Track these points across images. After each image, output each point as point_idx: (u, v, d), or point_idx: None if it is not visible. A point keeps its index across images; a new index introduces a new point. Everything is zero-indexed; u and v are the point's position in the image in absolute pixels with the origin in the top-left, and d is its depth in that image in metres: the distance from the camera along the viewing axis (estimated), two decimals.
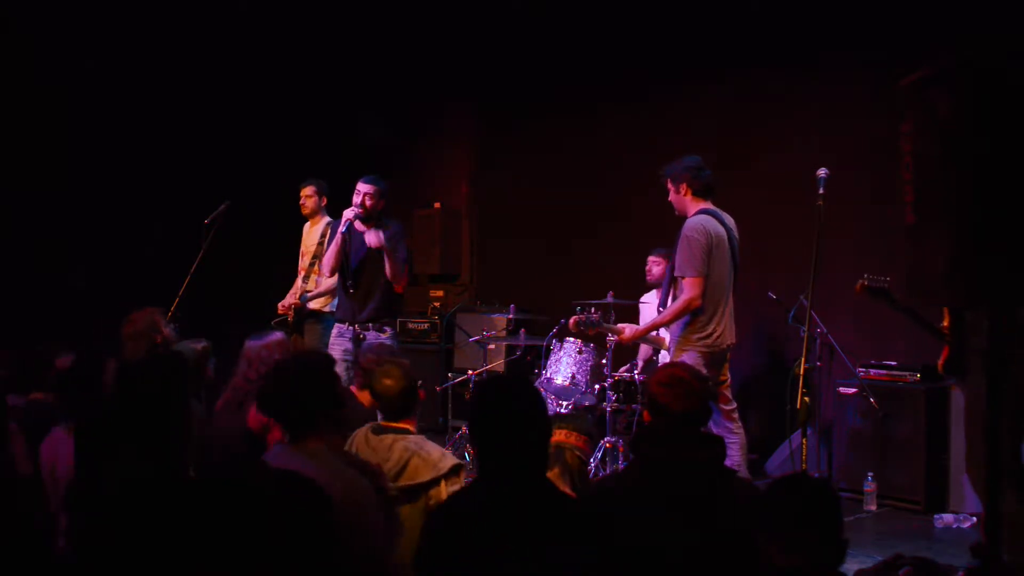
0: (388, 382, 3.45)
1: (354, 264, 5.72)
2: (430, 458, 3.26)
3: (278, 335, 4.19)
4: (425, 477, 3.22)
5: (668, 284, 5.01)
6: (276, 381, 2.96)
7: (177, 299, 5.83)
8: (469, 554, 2.31)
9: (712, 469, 2.74)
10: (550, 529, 2.32)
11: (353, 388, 4.32)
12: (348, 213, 5.59)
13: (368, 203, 5.60)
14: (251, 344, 4.03)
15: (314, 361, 3.03)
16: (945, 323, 4.20)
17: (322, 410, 2.84)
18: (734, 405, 4.93)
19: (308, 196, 6.65)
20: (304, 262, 6.65)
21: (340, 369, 4.84)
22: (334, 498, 2.60)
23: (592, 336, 5.63)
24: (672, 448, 2.71)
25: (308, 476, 2.05)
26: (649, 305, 6.44)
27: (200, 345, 4.32)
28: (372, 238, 5.58)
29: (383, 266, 5.63)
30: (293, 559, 1.86)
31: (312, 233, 6.67)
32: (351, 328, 5.67)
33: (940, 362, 4.30)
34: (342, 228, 5.60)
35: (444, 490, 3.20)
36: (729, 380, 4.97)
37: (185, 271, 5.94)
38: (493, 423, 2.47)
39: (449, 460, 3.28)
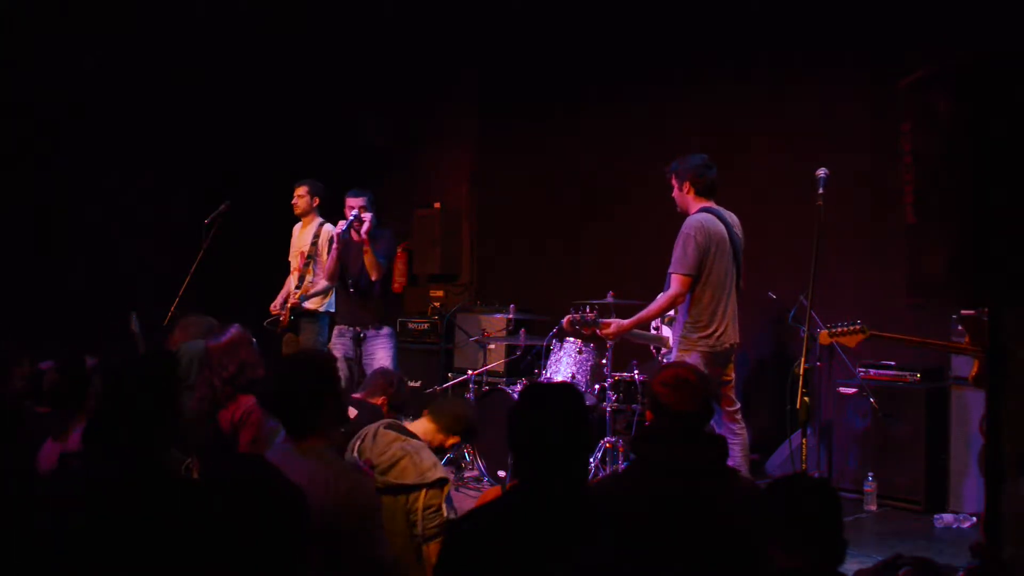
0: (460, 411, 3.90)
1: (354, 267, 5.79)
2: (421, 465, 3.35)
3: (235, 328, 4.12)
4: (409, 480, 3.31)
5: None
6: (278, 379, 2.97)
7: (177, 299, 5.84)
8: (501, 562, 2.25)
9: (714, 469, 2.74)
10: (583, 534, 2.27)
11: (356, 395, 4.24)
12: (341, 227, 5.81)
13: (364, 215, 5.77)
14: (212, 345, 4.02)
15: (316, 359, 3.03)
16: (967, 340, 4.56)
17: (324, 408, 2.84)
18: (737, 406, 4.91)
19: (300, 196, 6.56)
20: (296, 263, 6.63)
21: (341, 368, 4.86)
22: (336, 497, 2.60)
23: (588, 336, 5.63)
24: (674, 448, 2.71)
25: (293, 478, 2.02)
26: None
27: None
28: (349, 232, 5.74)
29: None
30: (264, 560, 1.85)
31: (304, 234, 6.63)
32: (351, 328, 5.75)
33: (971, 374, 4.54)
34: (340, 232, 5.71)
35: (423, 498, 3.29)
36: (733, 380, 4.97)
37: (185, 271, 5.95)
38: (538, 431, 2.37)
39: (437, 472, 3.35)
